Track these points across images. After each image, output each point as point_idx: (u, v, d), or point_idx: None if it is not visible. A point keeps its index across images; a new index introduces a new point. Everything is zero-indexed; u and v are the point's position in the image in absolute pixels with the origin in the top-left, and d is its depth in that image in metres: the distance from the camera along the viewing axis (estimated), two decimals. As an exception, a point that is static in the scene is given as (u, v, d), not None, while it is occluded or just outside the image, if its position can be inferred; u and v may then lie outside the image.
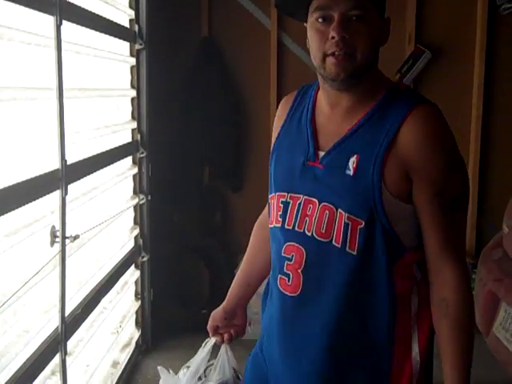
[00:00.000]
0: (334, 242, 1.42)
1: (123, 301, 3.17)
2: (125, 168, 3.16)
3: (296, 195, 1.48)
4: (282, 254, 1.50)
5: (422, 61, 3.97)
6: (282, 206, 1.51)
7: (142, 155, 3.31)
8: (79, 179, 2.33)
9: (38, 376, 2.04)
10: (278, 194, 1.53)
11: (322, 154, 1.46)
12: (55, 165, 2.11)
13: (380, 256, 1.42)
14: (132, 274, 3.34)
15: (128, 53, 3.18)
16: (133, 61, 3.20)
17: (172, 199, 3.94)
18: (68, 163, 2.16)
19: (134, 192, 3.36)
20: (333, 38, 1.34)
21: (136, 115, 3.26)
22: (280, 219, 1.50)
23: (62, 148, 2.13)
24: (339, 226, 1.41)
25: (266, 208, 1.68)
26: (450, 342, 1.41)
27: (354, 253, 1.41)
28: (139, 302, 3.50)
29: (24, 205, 1.89)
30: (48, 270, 2.08)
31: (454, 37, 4.05)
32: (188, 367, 1.71)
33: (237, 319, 1.76)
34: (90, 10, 2.44)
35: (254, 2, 3.98)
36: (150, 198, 3.40)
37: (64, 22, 2.11)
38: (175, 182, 3.93)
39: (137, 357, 3.47)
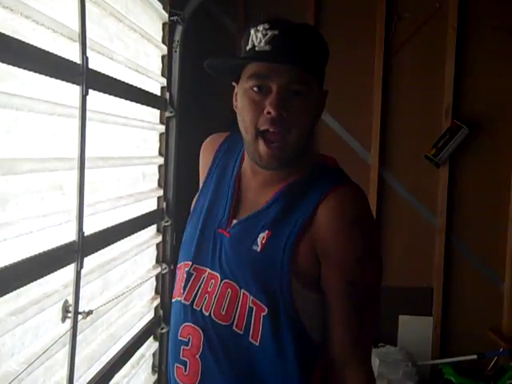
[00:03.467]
0: (234, 327, 1.25)
1: (139, 375, 3.04)
2: (148, 236, 3.08)
3: (201, 267, 1.33)
4: (179, 337, 1.32)
5: (459, 136, 3.88)
6: (185, 276, 1.35)
7: (166, 224, 3.23)
8: (96, 251, 2.24)
9: None
10: (184, 263, 1.37)
11: (234, 222, 1.32)
12: (72, 236, 2.04)
13: (290, 355, 1.25)
14: (150, 346, 3.21)
15: (157, 120, 3.15)
16: (162, 128, 3.16)
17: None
18: (85, 235, 2.09)
19: (157, 261, 3.27)
20: (269, 113, 1.21)
21: (162, 183, 3.20)
22: (182, 291, 1.34)
23: (80, 219, 2.06)
24: (242, 309, 1.25)
25: None
26: None
27: (257, 344, 1.24)
28: (156, 376, 3.36)
29: (35, 280, 1.80)
30: (57, 347, 1.98)
31: (492, 113, 3.96)
32: None
33: None
34: (117, 78, 2.40)
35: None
36: (172, 267, 3.31)
37: (90, 91, 2.08)
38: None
39: (152, 434, 3.31)
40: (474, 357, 3.84)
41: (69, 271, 2.04)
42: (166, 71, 3.16)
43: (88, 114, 2.07)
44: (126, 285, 2.70)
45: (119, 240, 2.51)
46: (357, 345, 1.28)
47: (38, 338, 1.92)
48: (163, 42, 3.15)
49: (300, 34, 1.24)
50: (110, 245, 2.39)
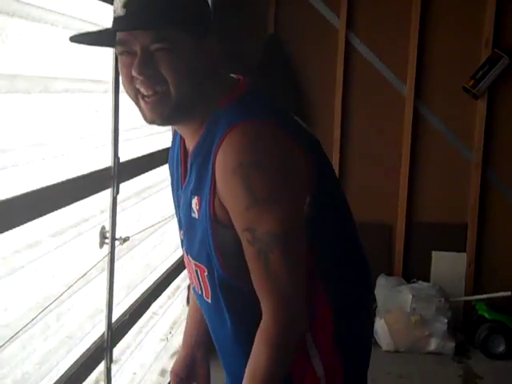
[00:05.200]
0: (196, 288, 1.37)
1: (174, 306, 3.06)
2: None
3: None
4: None
5: (499, 67, 3.74)
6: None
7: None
8: (132, 178, 2.21)
9: (81, 384, 1.93)
10: (180, 231, 1.45)
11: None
12: (107, 162, 2.00)
13: (224, 308, 1.30)
14: (185, 278, 3.22)
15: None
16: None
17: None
18: (121, 161, 2.05)
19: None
20: (136, 77, 1.19)
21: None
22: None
23: (116, 145, 2.02)
24: (194, 273, 1.33)
25: None
26: None
27: (209, 301, 1.32)
28: (190, 308, 3.38)
29: (72, 203, 1.78)
30: (95, 272, 1.98)
31: (536, 42, 3.80)
32: None
33: (198, 367, 1.59)
34: None
35: (322, 0, 3.83)
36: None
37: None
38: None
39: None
40: (509, 293, 3.80)
41: (105, 197, 2.02)
42: None
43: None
44: (161, 215, 2.68)
45: (155, 168, 2.48)
46: (266, 293, 1.22)
47: (78, 262, 1.92)
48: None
49: None
50: (145, 172, 2.36)
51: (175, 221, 2.88)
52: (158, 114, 1.22)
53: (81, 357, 1.92)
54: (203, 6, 1.27)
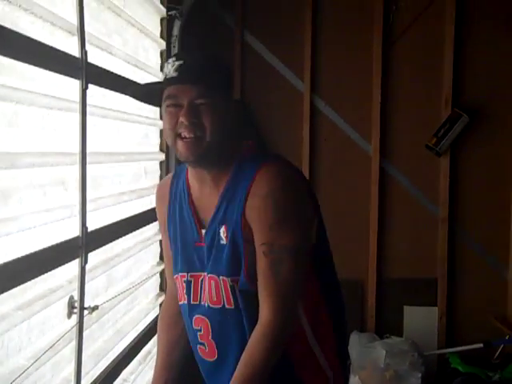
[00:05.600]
0: (226, 305, 1.62)
1: (146, 372, 3.02)
2: (151, 233, 3.06)
3: (196, 273, 1.68)
4: (193, 327, 1.71)
5: (460, 125, 3.87)
6: (184, 284, 1.70)
7: (169, 219, 3.21)
8: (100, 247, 2.23)
9: None
10: (180, 274, 1.72)
11: (204, 232, 1.65)
12: (75, 232, 2.03)
13: (254, 313, 1.58)
14: (156, 343, 3.20)
15: (158, 116, 3.14)
16: (162, 124, 3.14)
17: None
18: (89, 230, 2.08)
19: (161, 258, 3.26)
20: (182, 122, 1.53)
21: (164, 179, 3.19)
22: (186, 296, 1.71)
23: (83, 215, 2.05)
24: (226, 291, 1.60)
25: (168, 294, 1.92)
26: None
27: (234, 308, 1.61)
28: (163, 372, 3.34)
29: (40, 275, 1.79)
30: (63, 343, 1.97)
31: (493, 100, 3.95)
32: None
33: None
34: (117, 73, 2.39)
35: (287, 65, 3.95)
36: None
37: (90, 85, 2.07)
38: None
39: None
40: (481, 345, 3.83)
41: (73, 267, 2.03)
42: (165, 66, 3.15)
43: (88, 109, 2.06)
44: (130, 281, 2.69)
45: (123, 236, 2.50)
46: (270, 295, 1.54)
47: (45, 333, 1.92)
48: (161, 36, 3.14)
49: (200, 61, 1.59)
50: (113, 240, 2.38)
51: (145, 286, 2.89)
52: (192, 152, 1.55)
53: (48, 431, 1.90)
54: (228, 74, 1.67)
